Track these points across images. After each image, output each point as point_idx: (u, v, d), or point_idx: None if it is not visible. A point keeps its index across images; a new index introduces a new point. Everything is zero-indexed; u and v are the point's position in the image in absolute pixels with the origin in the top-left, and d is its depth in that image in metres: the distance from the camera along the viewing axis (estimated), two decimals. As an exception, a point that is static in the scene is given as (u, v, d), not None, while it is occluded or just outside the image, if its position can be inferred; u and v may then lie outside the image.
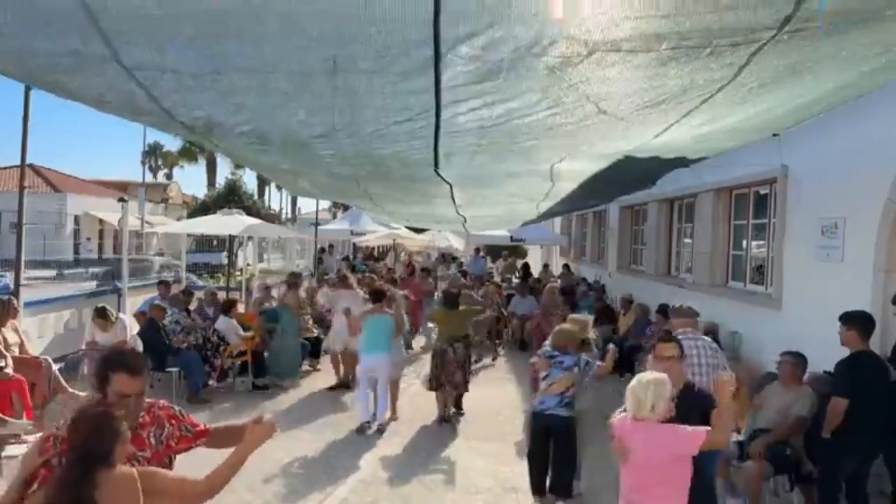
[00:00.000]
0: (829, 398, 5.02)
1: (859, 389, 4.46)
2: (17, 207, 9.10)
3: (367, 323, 7.60)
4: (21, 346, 7.04)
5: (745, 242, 8.90)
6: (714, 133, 3.75)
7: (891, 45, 2.32)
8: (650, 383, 3.27)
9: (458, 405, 8.03)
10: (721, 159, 4.78)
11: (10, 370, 6.41)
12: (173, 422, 2.71)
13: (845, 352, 4.67)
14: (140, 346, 8.21)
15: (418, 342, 12.73)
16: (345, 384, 9.14)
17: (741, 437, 5.37)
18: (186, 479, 2.58)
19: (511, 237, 16.51)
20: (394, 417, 7.78)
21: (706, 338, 5.22)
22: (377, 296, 7.96)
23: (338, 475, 6.09)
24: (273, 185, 51.36)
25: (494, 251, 22.59)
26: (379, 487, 5.86)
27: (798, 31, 1.93)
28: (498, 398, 9.06)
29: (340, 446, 6.88)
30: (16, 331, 7.08)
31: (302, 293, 11.20)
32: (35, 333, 8.38)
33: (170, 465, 2.71)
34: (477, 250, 23.23)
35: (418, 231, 21.24)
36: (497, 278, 18.31)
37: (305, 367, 10.38)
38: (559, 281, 15.23)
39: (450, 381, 7.60)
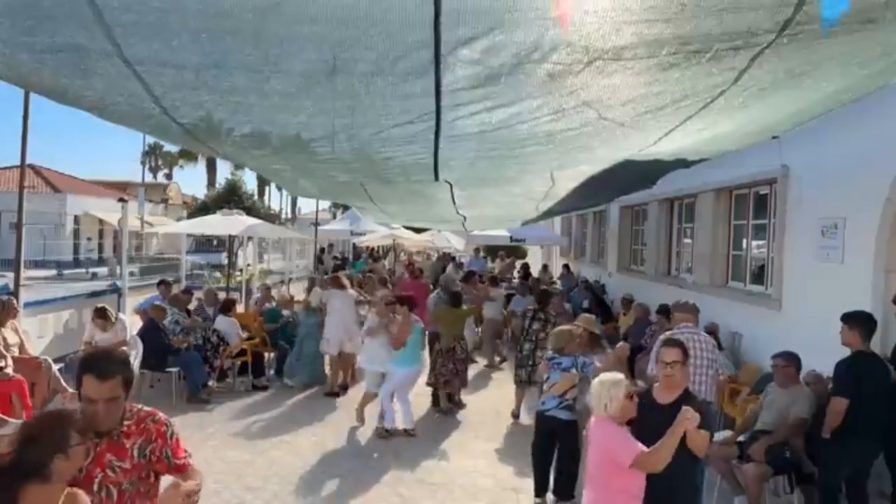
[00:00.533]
0: (827, 398, 5.05)
1: (860, 389, 4.46)
2: (17, 207, 9.10)
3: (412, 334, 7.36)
4: (21, 346, 7.04)
5: (745, 242, 8.90)
6: (714, 137, 3.75)
7: (890, 49, 2.32)
8: (606, 383, 3.41)
9: (457, 398, 8.46)
10: (721, 159, 4.78)
11: (10, 370, 6.41)
12: (159, 441, 2.52)
13: (845, 352, 4.67)
14: (140, 346, 8.21)
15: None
16: (344, 387, 9.01)
17: (742, 439, 5.37)
18: None
19: (511, 237, 16.49)
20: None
21: (705, 334, 5.38)
22: (411, 302, 7.65)
23: (337, 475, 6.09)
24: (273, 185, 51.35)
25: (494, 251, 22.57)
26: (379, 487, 5.86)
27: (798, 35, 1.93)
28: (498, 398, 9.06)
29: (339, 447, 6.89)
30: (16, 331, 7.08)
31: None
32: (35, 333, 8.37)
33: (155, 482, 2.57)
34: (477, 250, 23.22)
35: (418, 231, 21.24)
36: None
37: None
38: (559, 284, 15.24)
39: (451, 376, 8.16)
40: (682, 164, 4.70)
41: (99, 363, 2.41)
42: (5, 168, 33.05)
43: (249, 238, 16.54)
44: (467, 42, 1.78)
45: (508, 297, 13.23)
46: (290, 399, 8.72)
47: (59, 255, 32.26)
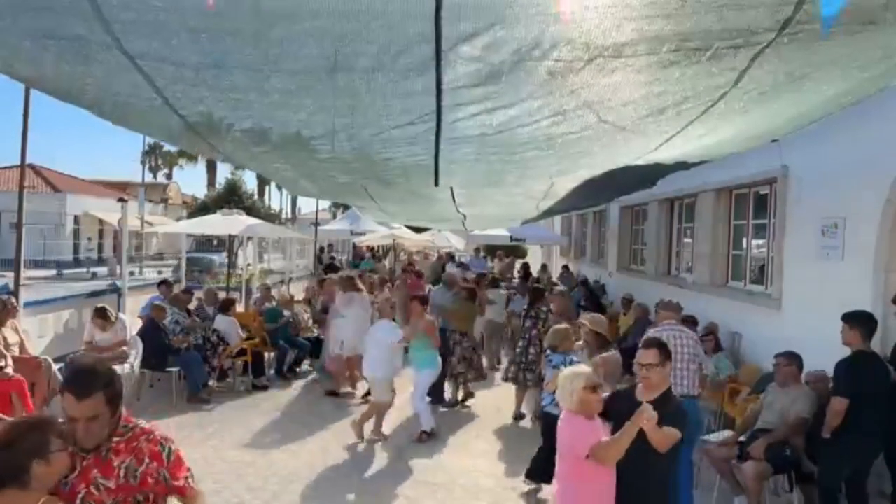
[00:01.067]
0: (828, 397, 5.05)
1: (860, 389, 4.46)
2: (17, 207, 9.10)
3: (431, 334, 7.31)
4: (21, 346, 7.04)
5: (745, 242, 8.90)
6: (715, 142, 3.75)
7: (891, 52, 2.32)
8: (567, 376, 3.52)
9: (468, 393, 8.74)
10: (721, 160, 4.78)
11: (10, 370, 6.41)
12: (155, 462, 2.35)
13: (845, 351, 4.67)
14: (140, 346, 8.21)
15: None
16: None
17: (742, 439, 5.37)
18: None
19: (511, 237, 16.49)
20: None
21: (688, 330, 5.73)
22: (426, 301, 7.83)
23: (338, 475, 6.09)
24: (273, 185, 51.38)
25: (494, 251, 22.57)
26: (380, 487, 5.86)
27: (798, 35, 1.92)
28: (499, 398, 9.05)
29: (341, 446, 6.88)
30: (16, 331, 7.08)
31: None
32: (35, 333, 8.37)
33: None
34: (477, 250, 23.23)
35: (418, 231, 21.24)
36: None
37: (305, 366, 10.39)
38: (560, 284, 15.22)
39: (465, 368, 8.50)
40: (682, 166, 4.70)
41: (78, 380, 2.26)
42: (5, 168, 33.06)
43: (249, 238, 16.55)
44: (468, 38, 1.77)
45: (508, 298, 13.22)
46: (290, 399, 8.72)
47: (59, 255, 32.27)
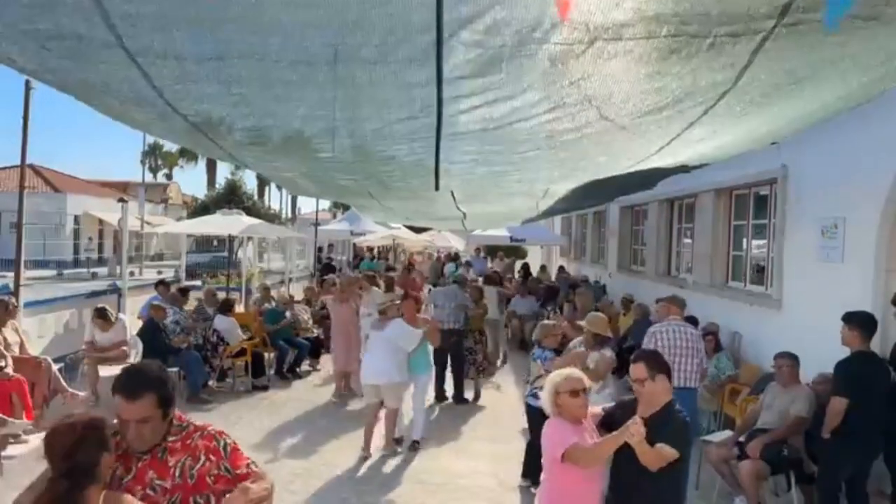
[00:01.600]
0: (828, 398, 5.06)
1: (859, 389, 4.46)
2: (17, 207, 9.10)
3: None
4: (21, 345, 7.04)
5: (745, 242, 8.90)
6: (715, 146, 3.75)
7: (892, 54, 2.31)
8: (551, 379, 3.47)
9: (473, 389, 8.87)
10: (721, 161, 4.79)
11: (10, 370, 6.42)
12: (212, 457, 2.33)
13: (845, 352, 4.67)
14: (140, 347, 8.22)
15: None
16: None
17: (742, 439, 5.38)
18: None
19: (511, 237, 16.50)
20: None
21: (691, 326, 5.97)
22: (420, 303, 7.85)
23: (338, 475, 6.09)
24: (273, 185, 51.38)
25: (494, 251, 22.60)
26: (379, 487, 5.86)
27: (798, 26, 1.92)
28: (499, 398, 9.07)
29: (340, 446, 6.88)
30: (16, 331, 7.08)
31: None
32: (35, 333, 8.38)
33: None
34: (478, 250, 23.24)
35: (418, 231, 21.25)
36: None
37: (305, 366, 10.40)
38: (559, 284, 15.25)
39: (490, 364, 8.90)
40: (682, 168, 4.71)
41: (129, 381, 2.24)
42: (5, 168, 33.10)
43: (249, 238, 16.56)
44: (469, 21, 1.76)
45: (508, 298, 13.24)
46: (290, 399, 8.72)
47: (59, 255, 32.28)
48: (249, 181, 48.48)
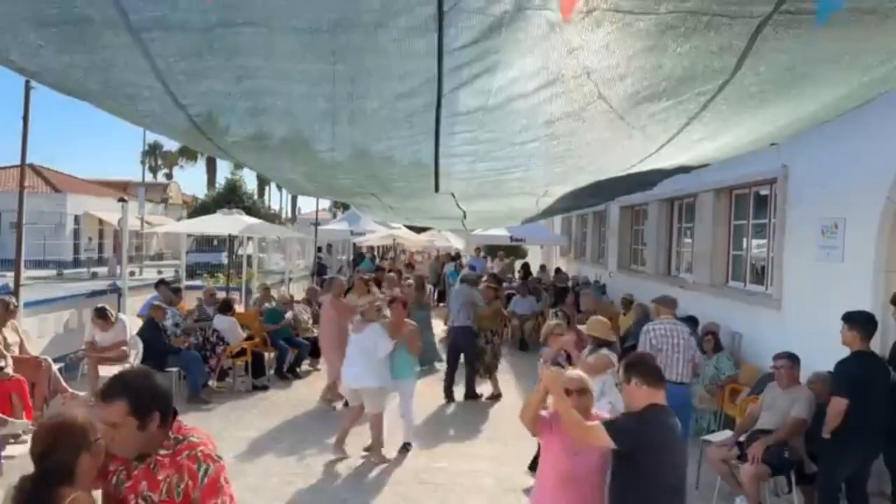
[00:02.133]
0: (828, 398, 5.06)
1: (859, 390, 4.46)
2: (17, 207, 9.11)
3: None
4: (21, 345, 7.04)
5: (745, 242, 8.90)
6: (714, 147, 3.74)
7: (892, 53, 2.31)
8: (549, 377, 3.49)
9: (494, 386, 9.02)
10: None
11: (10, 370, 6.42)
12: (191, 482, 2.26)
13: (845, 352, 4.67)
14: (140, 346, 8.22)
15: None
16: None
17: (742, 439, 5.38)
18: None
19: (511, 237, 16.51)
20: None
21: (682, 324, 6.18)
22: (406, 304, 7.40)
23: (339, 475, 6.09)
24: (273, 185, 51.41)
25: (494, 251, 22.60)
26: (379, 487, 5.86)
27: (795, 14, 1.92)
28: (499, 398, 9.07)
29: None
30: (16, 331, 7.08)
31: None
32: (35, 333, 8.38)
33: None
34: (478, 250, 23.23)
35: (418, 231, 21.25)
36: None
37: (305, 366, 10.40)
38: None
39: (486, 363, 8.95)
40: (682, 169, 4.70)
41: (107, 385, 2.24)
42: (5, 168, 33.13)
43: (249, 238, 16.55)
44: None
45: (508, 298, 13.26)
46: (290, 399, 8.71)
47: (59, 255, 32.33)
48: (249, 181, 48.64)
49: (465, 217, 7.47)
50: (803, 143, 6.26)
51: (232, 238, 16.88)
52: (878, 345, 5.02)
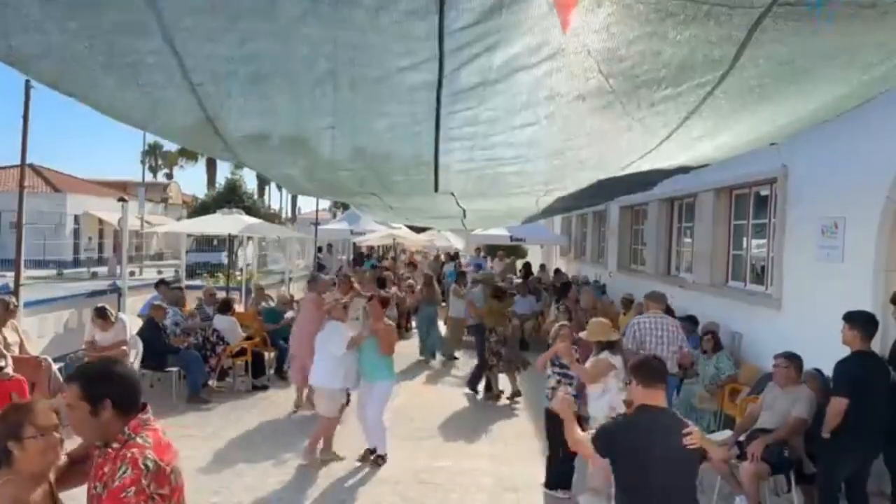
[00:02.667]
0: (824, 396, 5.06)
1: (859, 389, 4.45)
2: (18, 207, 9.11)
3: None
4: (21, 345, 7.04)
5: (745, 242, 8.90)
6: (714, 146, 3.74)
7: (892, 51, 2.31)
8: None
9: (495, 387, 9.15)
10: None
11: (10, 370, 6.42)
12: (110, 481, 2.15)
13: (845, 351, 4.67)
14: (140, 346, 8.21)
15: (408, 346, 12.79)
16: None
17: (742, 438, 5.38)
18: None
19: (511, 237, 16.50)
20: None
21: (669, 317, 6.57)
22: (387, 303, 6.96)
23: (338, 475, 6.09)
24: (273, 185, 51.41)
25: (494, 251, 22.61)
26: (379, 486, 5.86)
27: (795, 6, 1.92)
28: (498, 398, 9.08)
29: (340, 446, 6.87)
30: (16, 330, 7.08)
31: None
32: (35, 333, 8.38)
33: None
34: (478, 250, 23.24)
35: (418, 231, 21.24)
36: (496, 278, 18.31)
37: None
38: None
39: (500, 359, 8.99)
40: (682, 169, 4.70)
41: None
42: (5, 168, 33.13)
43: (249, 238, 16.55)
44: None
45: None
46: (290, 399, 8.70)
47: (59, 255, 32.34)
48: (249, 181, 48.57)
49: (464, 216, 7.45)
50: (803, 142, 6.26)
51: (232, 238, 16.88)
52: (878, 345, 5.02)
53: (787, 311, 7.20)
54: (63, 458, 2.47)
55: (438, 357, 11.92)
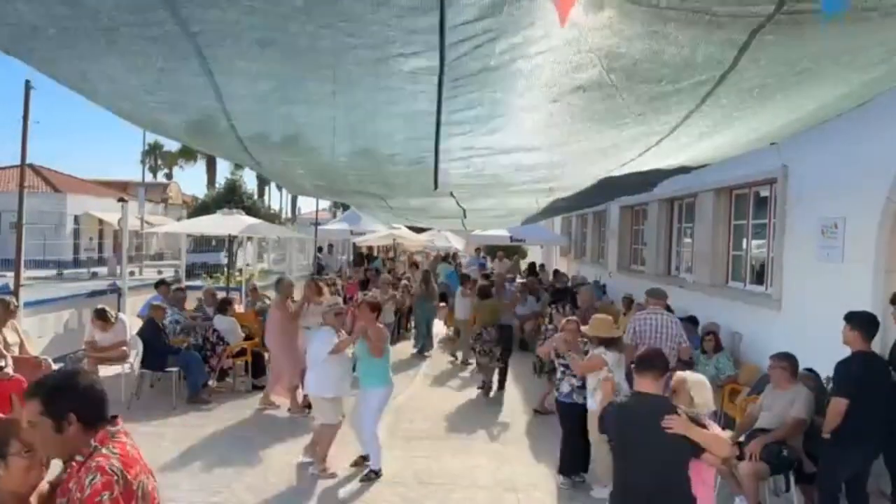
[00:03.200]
0: (819, 396, 5.06)
1: (860, 390, 4.45)
2: (18, 207, 9.12)
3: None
4: (21, 345, 7.03)
5: (745, 242, 8.90)
6: (713, 146, 3.73)
7: (892, 51, 2.31)
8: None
9: (502, 381, 9.38)
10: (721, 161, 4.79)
11: (10, 370, 6.42)
12: (79, 493, 2.06)
13: (846, 351, 4.67)
14: (140, 346, 8.22)
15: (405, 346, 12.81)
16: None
17: (742, 439, 5.38)
18: None
19: (511, 237, 16.49)
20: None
21: (668, 314, 6.69)
22: (378, 308, 6.53)
23: (336, 475, 6.08)
24: (273, 185, 51.41)
25: (494, 251, 22.61)
26: (379, 486, 5.86)
27: (797, 14, 1.92)
28: (498, 397, 9.07)
29: (340, 446, 6.87)
30: (16, 331, 7.07)
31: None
32: (35, 333, 8.38)
33: None
34: (477, 250, 23.24)
35: (418, 231, 21.23)
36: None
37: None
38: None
39: (490, 356, 9.15)
40: (682, 169, 4.69)
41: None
42: (5, 168, 33.15)
43: (249, 238, 16.55)
44: None
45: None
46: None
47: (59, 255, 32.34)
48: (249, 181, 48.62)
49: (465, 216, 7.45)
50: (803, 142, 6.26)
51: (231, 238, 16.88)
52: (878, 345, 5.01)
53: (787, 311, 7.20)
54: (45, 485, 2.29)
55: (436, 345, 12.55)
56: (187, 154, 53.82)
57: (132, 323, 9.10)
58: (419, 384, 9.93)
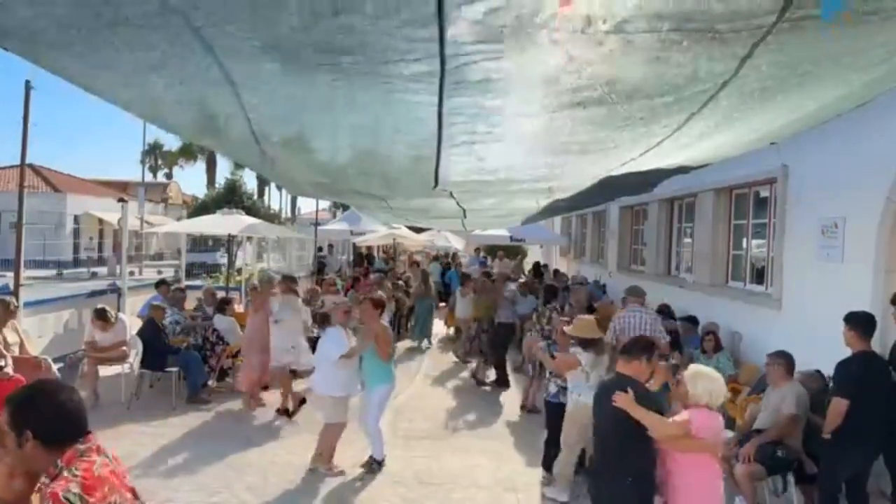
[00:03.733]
0: (820, 396, 5.05)
1: (860, 390, 4.46)
2: (18, 207, 9.11)
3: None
4: (21, 345, 7.03)
5: (745, 242, 8.90)
6: (714, 145, 3.73)
7: (892, 52, 2.31)
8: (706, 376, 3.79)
9: (500, 378, 9.65)
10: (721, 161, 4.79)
11: (10, 370, 6.41)
12: None
13: (846, 351, 4.67)
14: (140, 346, 8.22)
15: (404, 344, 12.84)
16: (286, 410, 7.93)
17: (740, 438, 5.38)
18: None
19: (511, 237, 16.49)
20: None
21: (650, 311, 6.99)
22: (381, 304, 6.48)
23: (346, 472, 6.08)
24: (273, 186, 51.37)
25: (494, 251, 22.60)
26: (378, 485, 5.86)
27: (799, 21, 1.93)
28: (498, 397, 9.07)
29: (339, 446, 6.87)
30: (16, 331, 7.07)
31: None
32: (35, 333, 8.37)
33: None
34: (477, 250, 23.23)
35: (418, 231, 21.23)
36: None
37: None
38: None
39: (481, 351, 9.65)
40: (682, 169, 4.69)
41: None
42: (5, 168, 33.15)
43: (248, 238, 16.54)
44: (469, 2, 1.77)
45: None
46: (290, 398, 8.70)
47: (59, 255, 32.33)
48: (249, 181, 48.62)
49: (465, 216, 7.45)
50: (803, 142, 6.27)
51: (231, 238, 16.87)
52: (878, 345, 5.02)
53: (787, 311, 7.20)
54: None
55: (436, 344, 12.94)
56: (187, 154, 53.81)
57: (132, 323, 9.10)
58: (419, 384, 9.93)
